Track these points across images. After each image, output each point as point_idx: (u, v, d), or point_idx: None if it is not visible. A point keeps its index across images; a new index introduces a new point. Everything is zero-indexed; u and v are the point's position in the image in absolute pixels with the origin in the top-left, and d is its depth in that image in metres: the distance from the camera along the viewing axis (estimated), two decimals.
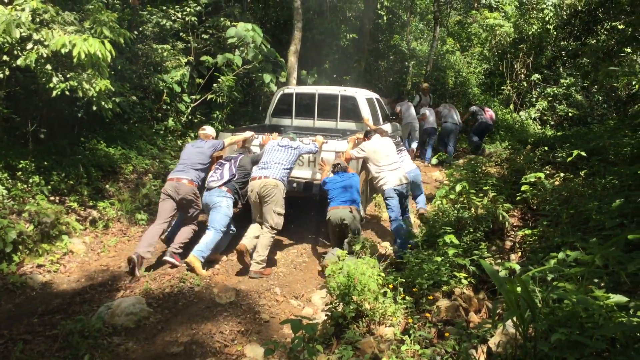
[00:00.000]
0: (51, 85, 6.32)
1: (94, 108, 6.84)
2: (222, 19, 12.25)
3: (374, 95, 10.35)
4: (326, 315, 4.68)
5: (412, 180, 7.55)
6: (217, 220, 6.32)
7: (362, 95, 8.98)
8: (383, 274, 4.91)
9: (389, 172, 6.98)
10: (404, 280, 4.91)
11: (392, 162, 7.09)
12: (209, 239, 6.20)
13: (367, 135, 7.36)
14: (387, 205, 6.97)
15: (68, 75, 6.46)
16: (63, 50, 6.03)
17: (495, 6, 21.92)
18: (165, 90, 10.68)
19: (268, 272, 6.30)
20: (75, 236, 6.69)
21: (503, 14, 20.19)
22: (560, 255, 4.15)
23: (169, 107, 11.02)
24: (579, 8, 11.24)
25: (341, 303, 4.50)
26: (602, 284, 3.59)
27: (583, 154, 7.53)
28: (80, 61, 6.09)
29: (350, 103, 8.75)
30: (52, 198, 6.83)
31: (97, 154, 8.10)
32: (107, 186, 7.77)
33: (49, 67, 6.32)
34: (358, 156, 7.15)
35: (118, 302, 4.97)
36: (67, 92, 6.43)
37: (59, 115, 7.91)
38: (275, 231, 6.33)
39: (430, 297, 4.64)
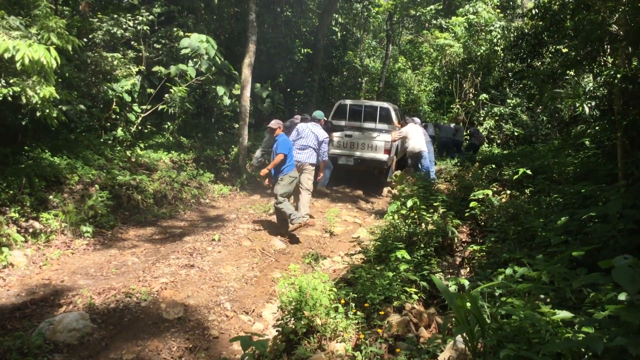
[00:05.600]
0: None
1: (38, 115, 6.61)
2: (175, 29, 12.12)
3: (397, 107, 15.06)
4: (277, 331, 4.62)
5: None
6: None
7: (392, 107, 13.52)
8: (335, 289, 4.89)
9: (414, 142, 11.41)
10: (355, 295, 4.91)
11: (418, 137, 11.49)
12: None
13: (405, 122, 12.31)
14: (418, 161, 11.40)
15: (11, 81, 6.22)
16: (6, 55, 5.81)
17: (445, 27, 22.51)
18: (114, 100, 10.44)
19: (312, 222, 8.61)
20: (15, 248, 6.40)
21: (453, 34, 20.74)
22: (508, 271, 4.25)
23: (118, 117, 10.78)
24: (526, 31, 11.61)
25: (292, 318, 4.46)
26: (548, 300, 3.68)
27: (529, 172, 7.76)
28: (24, 67, 5.88)
29: (385, 111, 12.95)
30: None
31: (42, 163, 7.81)
32: (51, 197, 7.48)
33: None
34: (400, 136, 11.90)
35: (60, 318, 4.77)
36: (9, 98, 6.19)
37: (2, 122, 7.61)
38: (310, 192, 8.95)
39: (382, 312, 4.65)
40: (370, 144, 12.25)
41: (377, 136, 12.28)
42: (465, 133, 17.84)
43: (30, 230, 6.84)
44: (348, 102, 13.52)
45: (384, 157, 12.09)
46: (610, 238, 4.56)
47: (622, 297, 2.80)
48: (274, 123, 8.47)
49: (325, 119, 10.53)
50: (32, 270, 6.23)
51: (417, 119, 14.94)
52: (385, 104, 13.34)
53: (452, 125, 17.85)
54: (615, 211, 4.37)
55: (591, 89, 7.84)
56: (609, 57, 7.94)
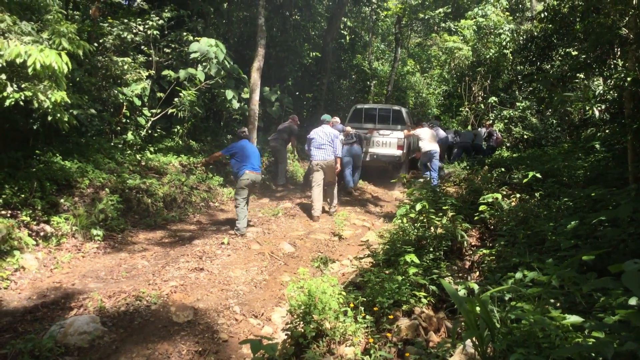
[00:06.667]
0: (5, 94, 6.13)
1: (49, 119, 6.67)
2: (184, 33, 12.18)
3: (407, 110, 16.58)
4: (286, 334, 4.63)
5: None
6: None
7: (404, 110, 14.68)
8: (344, 293, 4.90)
9: (426, 143, 12.21)
10: (364, 299, 4.91)
11: (430, 138, 12.29)
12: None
13: (418, 124, 13.35)
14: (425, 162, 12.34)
15: (23, 86, 6.28)
16: (18, 60, 5.87)
17: (454, 30, 22.47)
18: (125, 104, 10.50)
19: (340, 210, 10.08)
20: (27, 252, 6.45)
21: (462, 37, 20.69)
22: (518, 275, 4.23)
23: (128, 121, 10.84)
24: (535, 34, 11.58)
25: (301, 322, 4.46)
26: (558, 304, 3.66)
27: (538, 175, 7.73)
28: (35, 72, 5.94)
29: (397, 114, 13.94)
30: (3, 212, 6.58)
31: (53, 167, 7.87)
32: (62, 200, 7.54)
33: (3, 76, 6.14)
34: (413, 133, 12.74)
35: (71, 321, 4.80)
36: (21, 103, 6.25)
37: (14, 126, 7.67)
38: (335, 184, 10.21)
39: (391, 317, 4.65)
40: (385, 141, 13.43)
41: (390, 134, 13.41)
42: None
43: (42, 233, 6.90)
44: (363, 106, 14.61)
45: (397, 152, 13.34)
46: (620, 242, 4.53)
47: (632, 301, 2.78)
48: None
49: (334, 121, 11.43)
50: (43, 273, 6.29)
51: (433, 123, 15.56)
52: (397, 107, 14.53)
53: (481, 129, 17.81)
54: (625, 215, 4.34)
55: (601, 92, 7.80)
56: (619, 60, 7.91)
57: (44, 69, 6.01)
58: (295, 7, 18.60)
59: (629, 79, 6.38)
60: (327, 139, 9.79)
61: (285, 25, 17.87)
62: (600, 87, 8.01)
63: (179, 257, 6.99)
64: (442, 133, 15.21)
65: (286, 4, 17.86)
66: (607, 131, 9.02)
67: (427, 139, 12.26)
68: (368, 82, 23.73)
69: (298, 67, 17.63)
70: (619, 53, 7.97)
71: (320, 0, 21.56)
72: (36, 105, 6.40)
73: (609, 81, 7.94)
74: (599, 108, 7.65)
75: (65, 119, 6.83)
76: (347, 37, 22.13)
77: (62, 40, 6.88)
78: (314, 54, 18.27)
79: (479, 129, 17.62)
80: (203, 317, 5.34)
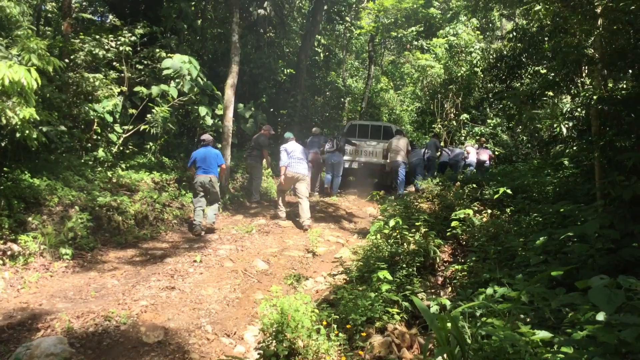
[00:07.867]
0: None
1: (18, 136, 6.56)
2: (157, 49, 12.13)
3: (399, 128, 18.02)
4: (258, 353, 4.58)
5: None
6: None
7: (394, 126, 16.28)
8: (317, 310, 4.88)
9: (390, 155, 13.82)
10: (337, 316, 4.89)
11: (396, 150, 13.61)
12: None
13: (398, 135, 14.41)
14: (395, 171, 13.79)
15: None
16: None
17: (426, 48, 22.82)
18: (96, 120, 10.38)
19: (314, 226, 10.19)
20: None
21: (434, 55, 21.01)
22: (489, 290, 4.28)
23: (99, 138, 10.71)
24: (505, 53, 11.83)
25: (274, 341, 4.42)
26: (528, 320, 3.70)
27: (509, 191, 7.83)
28: (4, 88, 5.85)
29: (387, 129, 15.84)
30: None
31: (21, 184, 7.71)
32: (30, 219, 7.38)
33: None
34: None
35: (37, 342, 4.68)
36: None
37: None
38: (308, 198, 10.41)
39: (364, 334, 4.64)
40: (372, 150, 15.49)
41: (377, 144, 15.41)
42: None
43: (9, 252, 6.74)
44: (357, 122, 16.93)
45: (382, 161, 15.07)
46: (588, 257, 4.61)
47: (599, 317, 2.83)
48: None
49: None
50: (10, 293, 6.12)
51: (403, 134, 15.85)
52: (388, 124, 17.19)
53: (474, 147, 17.84)
54: (592, 231, 4.43)
55: (569, 109, 7.98)
56: (586, 78, 8.10)
57: (12, 85, 5.92)
58: (270, 24, 18.71)
59: (595, 97, 6.53)
60: (303, 155, 10.66)
61: (259, 43, 17.95)
62: (568, 105, 8.19)
63: (149, 276, 6.89)
64: (418, 151, 15.25)
65: (260, 22, 17.94)
66: (575, 148, 9.21)
67: (393, 150, 13.80)
68: (342, 99, 23.89)
69: (272, 84, 17.69)
70: (585, 72, 8.16)
71: (295, 18, 21.74)
72: (4, 121, 6.29)
73: (576, 99, 8.11)
74: (567, 125, 7.80)
75: (34, 136, 6.73)
76: (322, 55, 22.32)
77: (32, 57, 6.80)
78: (288, 71, 18.36)
79: (473, 147, 17.63)
80: (174, 337, 5.25)
